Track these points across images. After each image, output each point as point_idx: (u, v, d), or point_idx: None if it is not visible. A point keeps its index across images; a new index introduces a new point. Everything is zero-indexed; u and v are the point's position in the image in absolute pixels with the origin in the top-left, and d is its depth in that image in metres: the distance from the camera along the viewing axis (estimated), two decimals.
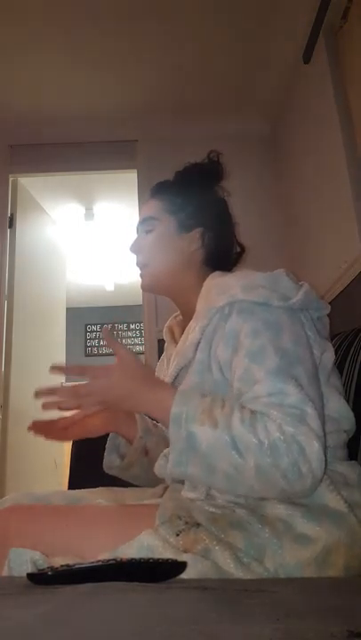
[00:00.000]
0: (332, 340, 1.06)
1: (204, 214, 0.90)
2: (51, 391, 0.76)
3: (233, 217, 0.95)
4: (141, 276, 0.93)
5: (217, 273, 0.85)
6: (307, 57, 2.11)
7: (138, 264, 0.93)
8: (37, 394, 0.75)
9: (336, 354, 1.00)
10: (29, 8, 1.93)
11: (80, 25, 2.03)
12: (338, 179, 1.89)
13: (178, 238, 0.89)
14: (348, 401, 0.89)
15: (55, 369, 0.78)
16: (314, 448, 0.62)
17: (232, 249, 0.94)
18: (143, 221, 0.92)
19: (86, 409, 0.79)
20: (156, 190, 0.94)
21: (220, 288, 0.76)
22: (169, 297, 0.95)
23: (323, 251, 2.09)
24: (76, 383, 0.76)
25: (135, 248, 0.93)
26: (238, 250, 0.95)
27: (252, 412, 0.66)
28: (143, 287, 0.94)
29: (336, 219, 1.93)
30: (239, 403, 0.69)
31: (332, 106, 1.91)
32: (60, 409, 0.76)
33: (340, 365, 0.97)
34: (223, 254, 0.92)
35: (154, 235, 0.90)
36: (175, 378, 0.82)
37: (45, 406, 0.76)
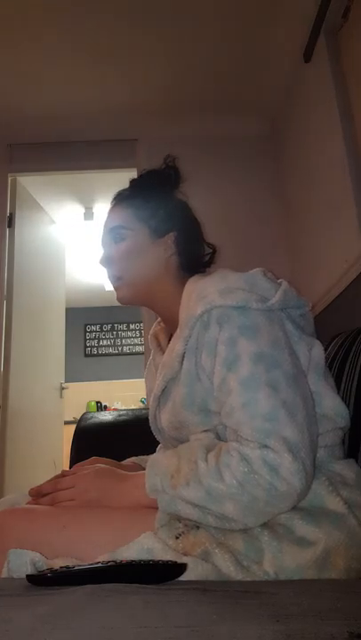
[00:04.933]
0: (332, 340, 1.07)
1: (174, 218, 0.89)
2: (38, 492, 0.79)
3: (197, 218, 0.93)
4: (117, 289, 0.90)
5: (196, 277, 0.84)
6: (307, 56, 2.11)
7: (111, 277, 0.90)
8: (30, 493, 0.80)
9: (336, 354, 1.00)
10: (29, 7, 1.93)
11: (80, 24, 2.03)
12: (339, 178, 1.88)
13: (152, 245, 0.87)
14: (348, 401, 0.89)
15: (32, 492, 0.80)
16: (286, 462, 0.61)
17: (203, 249, 0.93)
18: (111, 231, 0.88)
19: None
20: (120, 198, 0.91)
21: (199, 293, 0.75)
22: (148, 307, 0.93)
23: (323, 250, 2.09)
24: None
25: (106, 261, 0.89)
26: (210, 250, 0.94)
27: (216, 456, 0.66)
28: (120, 300, 0.90)
29: (337, 218, 1.93)
30: (203, 448, 0.69)
31: (333, 105, 1.91)
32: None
33: (340, 366, 0.97)
34: (197, 256, 0.91)
35: (126, 244, 0.86)
36: (163, 390, 0.81)
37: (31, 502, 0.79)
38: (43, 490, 0.78)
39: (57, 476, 0.81)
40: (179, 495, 0.66)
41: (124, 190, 0.93)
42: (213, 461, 0.66)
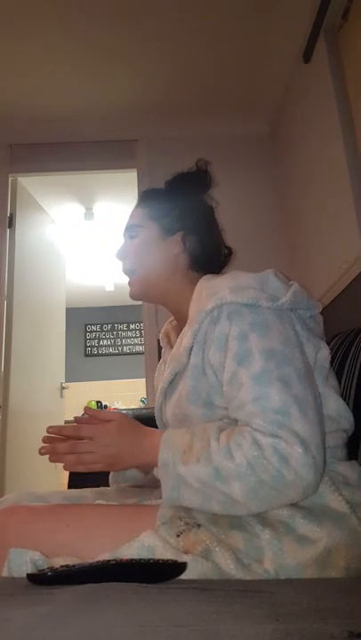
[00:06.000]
0: (332, 339, 1.07)
1: (187, 218, 0.92)
2: (58, 432, 0.77)
3: (219, 223, 0.96)
4: (129, 283, 0.94)
5: (208, 276, 0.86)
6: (307, 57, 2.11)
7: (124, 271, 0.95)
8: (48, 430, 0.78)
9: (336, 354, 1.00)
10: (29, 8, 1.93)
11: (80, 24, 2.03)
12: (338, 179, 1.89)
13: (161, 242, 0.91)
14: (348, 401, 0.89)
15: (51, 430, 0.78)
16: (296, 453, 0.62)
17: (218, 252, 0.95)
18: (127, 229, 0.95)
19: (83, 467, 0.76)
20: (141, 198, 0.97)
21: (210, 290, 0.77)
22: (160, 303, 0.96)
23: (323, 251, 2.09)
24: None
25: (121, 254, 0.95)
26: (226, 253, 0.96)
27: (228, 435, 0.67)
28: (131, 295, 0.95)
29: (336, 219, 1.93)
30: (216, 429, 0.70)
31: (333, 105, 1.91)
32: (55, 460, 0.76)
33: (340, 365, 0.97)
34: (209, 257, 0.93)
35: (137, 240, 0.92)
36: (170, 382, 0.83)
37: (42, 451, 0.77)
38: (63, 431, 0.77)
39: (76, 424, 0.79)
40: (189, 471, 0.66)
41: (148, 189, 0.98)
42: (225, 440, 0.66)
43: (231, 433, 0.67)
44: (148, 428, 0.78)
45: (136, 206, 0.96)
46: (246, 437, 0.65)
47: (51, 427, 0.78)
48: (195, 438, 0.70)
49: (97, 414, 0.79)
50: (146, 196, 0.96)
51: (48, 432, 0.78)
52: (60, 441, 0.77)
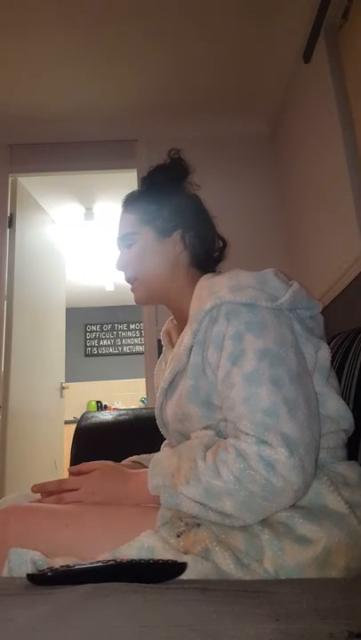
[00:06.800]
0: (332, 339, 1.07)
1: (180, 215, 0.91)
2: (42, 489, 0.81)
3: (208, 211, 0.95)
4: (133, 290, 0.94)
5: (208, 275, 0.86)
6: (307, 56, 2.11)
7: (127, 280, 0.94)
8: (32, 489, 0.81)
9: (336, 354, 1.00)
10: (29, 8, 1.93)
11: (80, 24, 2.03)
12: (338, 178, 1.89)
13: (159, 245, 0.90)
14: (348, 401, 0.89)
15: (35, 489, 0.81)
16: (282, 457, 0.61)
17: (215, 244, 0.94)
18: (122, 238, 0.93)
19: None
20: (127, 203, 0.94)
21: (210, 289, 0.77)
22: (163, 304, 0.96)
23: (323, 251, 2.09)
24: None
25: (121, 264, 0.94)
26: (221, 244, 0.95)
27: (214, 453, 0.67)
28: (137, 301, 0.94)
29: (336, 219, 1.93)
30: (203, 447, 0.71)
31: (333, 105, 1.91)
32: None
33: (340, 365, 0.97)
34: (208, 251, 0.92)
35: (135, 248, 0.91)
36: (171, 382, 0.83)
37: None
38: (47, 487, 0.79)
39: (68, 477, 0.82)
40: (180, 493, 0.67)
41: (130, 194, 0.96)
42: (211, 459, 0.67)
43: (217, 449, 0.68)
44: (133, 471, 0.80)
45: (123, 213, 0.94)
46: (230, 452, 0.65)
47: (35, 485, 0.80)
48: (182, 459, 0.70)
49: (80, 469, 0.81)
50: (131, 201, 0.94)
51: (32, 491, 0.80)
52: (46, 496, 0.79)
